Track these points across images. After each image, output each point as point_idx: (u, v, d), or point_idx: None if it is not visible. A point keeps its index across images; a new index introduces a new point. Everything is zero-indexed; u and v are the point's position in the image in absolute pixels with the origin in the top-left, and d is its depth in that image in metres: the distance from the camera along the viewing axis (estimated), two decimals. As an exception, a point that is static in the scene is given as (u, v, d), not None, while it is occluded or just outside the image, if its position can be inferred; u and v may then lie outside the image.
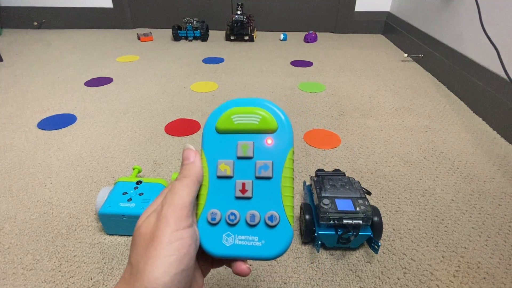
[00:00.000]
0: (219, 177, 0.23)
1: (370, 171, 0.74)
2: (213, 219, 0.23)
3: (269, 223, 0.22)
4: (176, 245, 0.20)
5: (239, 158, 0.23)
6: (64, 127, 0.92)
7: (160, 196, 0.23)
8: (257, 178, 0.23)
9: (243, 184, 0.23)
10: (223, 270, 0.51)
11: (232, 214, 0.22)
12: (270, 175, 0.23)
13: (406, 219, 0.61)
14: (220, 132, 0.24)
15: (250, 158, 0.23)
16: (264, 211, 0.22)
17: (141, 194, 0.57)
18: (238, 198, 0.23)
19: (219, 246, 0.22)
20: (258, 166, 0.23)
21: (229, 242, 0.22)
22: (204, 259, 0.25)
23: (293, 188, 0.23)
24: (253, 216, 0.22)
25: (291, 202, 0.23)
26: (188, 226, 0.21)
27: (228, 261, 0.24)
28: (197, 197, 0.23)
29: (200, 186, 0.23)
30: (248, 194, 0.23)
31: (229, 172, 0.23)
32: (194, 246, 0.21)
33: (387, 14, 1.86)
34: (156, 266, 0.19)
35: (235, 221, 0.22)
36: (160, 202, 0.22)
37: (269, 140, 0.23)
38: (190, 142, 0.85)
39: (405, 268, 0.52)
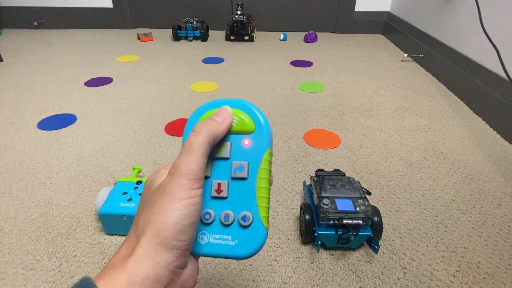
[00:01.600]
0: None
1: (370, 171, 0.74)
2: None
3: (242, 223, 0.23)
4: (187, 202, 0.21)
5: (216, 158, 0.24)
6: (64, 127, 0.92)
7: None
8: (233, 178, 0.23)
9: (219, 184, 0.23)
10: (223, 270, 0.52)
11: (208, 213, 0.23)
12: (246, 176, 0.23)
13: (406, 219, 0.61)
14: None
15: (226, 158, 0.24)
16: (238, 211, 0.23)
17: (141, 194, 0.57)
18: (214, 198, 0.23)
19: (195, 244, 0.23)
20: (234, 167, 0.23)
21: (204, 240, 0.23)
22: None
23: (269, 189, 0.24)
24: (227, 216, 0.23)
25: (266, 203, 0.23)
26: (199, 186, 0.22)
27: None
28: None
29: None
30: (223, 194, 0.23)
31: (206, 172, 0.23)
32: (202, 203, 0.22)
33: (387, 14, 1.86)
34: (168, 217, 0.20)
35: (210, 220, 0.23)
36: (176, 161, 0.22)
37: (246, 141, 0.24)
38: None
39: (405, 268, 0.52)
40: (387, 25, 1.85)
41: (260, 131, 0.24)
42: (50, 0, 1.94)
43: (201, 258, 0.50)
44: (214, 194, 0.23)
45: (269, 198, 0.24)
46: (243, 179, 0.23)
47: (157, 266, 0.19)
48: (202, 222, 0.23)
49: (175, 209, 0.20)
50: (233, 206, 0.23)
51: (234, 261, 0.53)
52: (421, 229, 0.59)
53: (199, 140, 0.22)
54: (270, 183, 0.24)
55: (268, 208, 0.23)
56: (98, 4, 1.95)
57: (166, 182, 0.21)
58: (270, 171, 0.24)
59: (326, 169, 0.74)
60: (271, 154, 0.24)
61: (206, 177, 0.24)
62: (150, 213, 0.21)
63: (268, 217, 0.23)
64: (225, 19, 1.92)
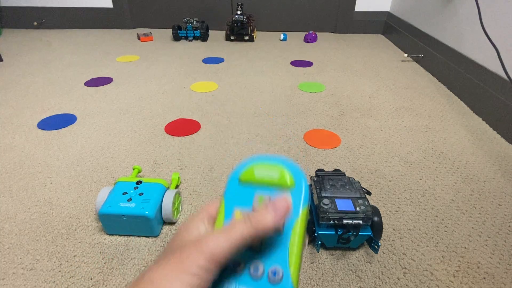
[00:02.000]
0: None
1: (370, 171, 0.74)
2: None
3: (272, 278, 0.22)
4: (192, 281, 0.19)
5: (253, 209, 0.24)
6: (64, 127, 0.92)
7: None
8: None
9: None
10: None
11: (237, 262, 0.22)
12: (281, 229, 0.23)
13: (406, 219, 0.61)
14: (242, 183, 0.25)
15: None
16: (268, 264, 0.22)
17: (141, 194, 0.57)
18: (245, 247, 0.23)
19: None
20: None
21: None
22: None
23: (304, 247, 0.23)
24: (257, 268, 0.22)
25: (298, 260, 0.22)
26: (213, 273, 0.20)
27: None
28: None
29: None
30: (256, 245, 0.23)
31: None
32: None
33: (387, 14, 1.86)
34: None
35: (238, 270, 0.22)
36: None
37: (285, 196, 0.23)
38: (190, 142, 0.85)
39: (405, 268, 0.52)
40: (387, 25, 1.85)
41: (300, 189, 0.24)
42: (50, 0, 1.94)
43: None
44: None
45: (301, 258, 0.23)
46: (278, 232, 0.23)
47: None
48: (232, 271, 0.22)
49: (178, 280, 0.18)
50: (264, 258, 0.22)
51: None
52: (421, 229, 0.59)
53: (244, 232, 0.20)
54: (304, 244, 0.23)
55: (299, 267, 0.23)
56: (98, 4, 1.95)
57: (184, 245, 0.20)
58: (305, 229, 0.23)
59: (326, 169, 0.74)
60: (308, 212, 0.24)
61: None
62: (155, 270, 0.19)
63: (298, 277, 0.22)
64: (225, 19, 1.91)
